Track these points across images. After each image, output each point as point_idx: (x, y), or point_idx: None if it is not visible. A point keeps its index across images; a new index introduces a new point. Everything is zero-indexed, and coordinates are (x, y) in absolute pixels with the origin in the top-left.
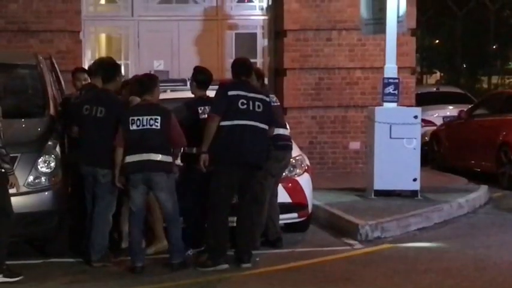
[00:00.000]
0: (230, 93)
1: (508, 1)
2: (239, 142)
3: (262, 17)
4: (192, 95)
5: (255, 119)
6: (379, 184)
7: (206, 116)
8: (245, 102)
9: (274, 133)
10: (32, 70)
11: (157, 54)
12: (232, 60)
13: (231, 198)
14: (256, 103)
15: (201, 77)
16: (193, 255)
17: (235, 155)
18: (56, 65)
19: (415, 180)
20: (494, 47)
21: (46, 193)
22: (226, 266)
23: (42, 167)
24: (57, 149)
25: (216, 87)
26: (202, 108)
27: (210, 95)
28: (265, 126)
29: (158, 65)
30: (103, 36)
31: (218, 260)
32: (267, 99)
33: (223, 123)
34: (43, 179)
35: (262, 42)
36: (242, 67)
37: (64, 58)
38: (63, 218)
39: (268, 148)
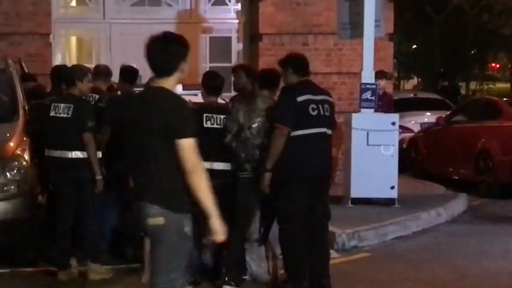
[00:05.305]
0: (300, 99)
1: (487, 5)
2: (311, 153)
3: (237, 21)
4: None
5: (325, 125)
6: (356, 192)
7: (212, 126)
8: (315, 107)
9: None
10: (1, 74)
11: (129, 58)
12: (207, 67)
13: (305, 216)
14: (325, 106)
15: (207, 81)
16: None
17: (307, 168)
18: (25, 69)
19: (392, 188)
20: (472, 52)
21: (15, 200)
22: None
23: (11, 174)
24: (26, 155)
25: (197, 91)
26: (209, 115)
27: (220, 101)
28: (331, 132)
29: None
30: (74, 39)
31: (300, 285)
32: (331, 99)
33: (293, 133)
34: (12, 186)
35: (237, 47)
36: (304, 64)
37: (34, 61)
38: (33, 226)
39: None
